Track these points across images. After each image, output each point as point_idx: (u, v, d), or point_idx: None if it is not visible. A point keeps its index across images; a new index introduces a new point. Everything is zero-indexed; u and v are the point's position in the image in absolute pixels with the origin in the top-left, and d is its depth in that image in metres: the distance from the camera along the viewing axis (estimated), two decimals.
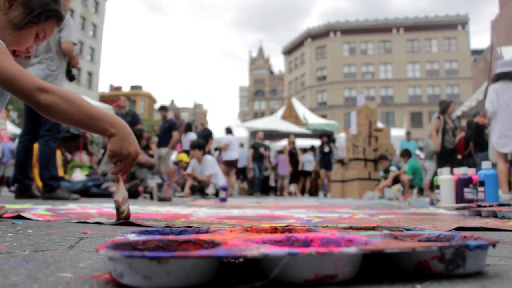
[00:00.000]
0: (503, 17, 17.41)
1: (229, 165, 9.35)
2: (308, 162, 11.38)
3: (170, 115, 8.76)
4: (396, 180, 8.23)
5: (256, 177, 10.66)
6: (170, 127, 8.27)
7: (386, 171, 8.57)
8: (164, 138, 8.25)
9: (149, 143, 6.48)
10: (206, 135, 9.05)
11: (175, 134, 8.20)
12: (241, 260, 0.69)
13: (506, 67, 4.90)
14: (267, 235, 0.73)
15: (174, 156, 10.41)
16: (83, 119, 1.17)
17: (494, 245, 0.59)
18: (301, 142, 13.59)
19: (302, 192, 11.28)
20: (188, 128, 11.03)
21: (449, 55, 41.73)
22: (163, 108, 8.69)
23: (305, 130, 14.00)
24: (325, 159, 10.81)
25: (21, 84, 1.12)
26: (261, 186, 12.53)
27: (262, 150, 10.54)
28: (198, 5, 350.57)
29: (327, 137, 10.95)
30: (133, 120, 7.64)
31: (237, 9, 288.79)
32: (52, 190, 3.87)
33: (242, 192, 11.20)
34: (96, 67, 38.35)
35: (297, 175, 10.93)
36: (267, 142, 15.93)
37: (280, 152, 11.52)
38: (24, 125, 3.95)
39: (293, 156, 10.80)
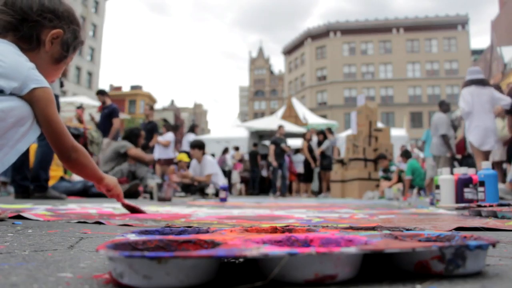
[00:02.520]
0: (503, 17, 17.41)
1: (167, 164, 8.96)
2: (301, 163, 11.28)
3: (109, 100, 7.56)
4: (398, 179, 8.24)
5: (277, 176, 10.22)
6: (110, 113, 7.21)
7: (386, 170, 8.57)
8: (105, 127, 7.16)
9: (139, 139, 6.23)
10: (150, 129, 8.19)
11: (115, 122, 7.17)
12: (241, 260, 0.69)
13: (476, 74, 5.35)
14: (267, 235, 0.73)
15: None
16: (90, 174, 1.62)
17: (494, 245, 0.59)
18: (300, 142, 13.60)
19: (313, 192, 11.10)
20: (191, 129, 11.00)
21: (449, 55, 41.73)
22: (101, 93, 7.57)
23: (305, 130, 14.01)
24: (321, 159, 10.66)
25: (63, 140, 1.42)
26: (260, 186, 12.49)
27: (284, 146, 10.10)
28: (200, 5, 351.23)
29: (323, 135, 10.84)
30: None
31: (239, 10, 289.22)
32: (44, 190, 4.00)
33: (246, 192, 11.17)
34: (96, 67, 38.34)
35: (311, 174, 10.71)
36: (267, 142, 15.93)
37: None
38: None
39: (311, 152, 10.58)
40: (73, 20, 1.51)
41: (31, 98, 1.31)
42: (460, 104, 5.40)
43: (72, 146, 1.45)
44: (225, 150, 12.57)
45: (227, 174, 12.14)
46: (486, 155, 5.09)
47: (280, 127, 10.59)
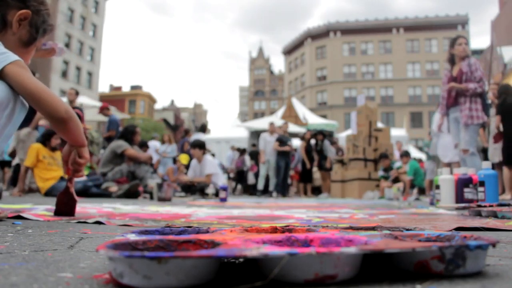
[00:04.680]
0: (503, 17, 17.41)
1: None
2: (300, 162, 11.19)
3: None
4: (396, 179, 8.24)
5: (279, 175, 9.73)
6: None
7: (386, 170, 8.56)
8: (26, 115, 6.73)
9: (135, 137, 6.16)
10: None
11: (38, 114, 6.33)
12: (241, 260, 0.69)
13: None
14: (267, 235, 0.73)
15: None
16: (80, 136, 1.48)
17: (494, 245, 0.59)
18: (300, 142, 13.59)
19: (313, 192, 10.99)
20: (202, 129, 10.98)
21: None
22: None
23: (305, 130, 14.01)
24: (320, 159, 10.58)
25: (51, 101, 1.30)
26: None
27: (289, 144, 9.74)
28: (201, 6, 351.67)
29: (323, 135, 10.78)
30: None
31: (240, 10, 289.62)
32: None
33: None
34: (96, 67, 38.32)
35: (310, 174, 10.61)
36: None
37: None
38: None
39: (308, 153, 10.50)
40: (41, 2, 1.46)
41: (4, 77, 1.24)
42: (432, 126, 6.14)
43: (63, 106, 1.34)
44: (243, 151, 12.57)
45: (245, 174, 12.14)
46: (449, 165, 5.57)
47: (284, 124, 10.46)
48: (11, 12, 1.36)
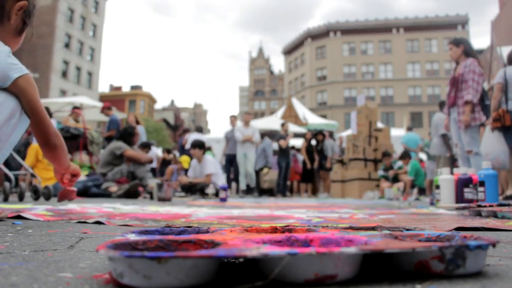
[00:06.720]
0: (503, 17, 17.40)
1: None
2: (301, 162, 11.17)
3: None
4: (395, 179, 8.24)
5: (280, 175, 9.58)
6: None
7: (387, 169, 8.56)
8: None
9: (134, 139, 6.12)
10: None
11: None
12: (241, 260, 0.69)
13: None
14: (267, 235, 0.73)
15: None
16: (65, 160, 1.52)
17: (494, 245, 0.59)
18: (301, 142, 13.58)
19: (314, 192, 10.97)
20: (199, 129, 11.01)
21: (449, 55, 41.63)
22: None
23: (305, 130, 14.00)
24: (320, 159, 10.56)
25: (49, 127, 1.38)
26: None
27: (282, 141, 9.55)
28: (203, 7, 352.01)
29: (323, 135, 10.78)
30: None
31: (241, 11, 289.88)
32: None
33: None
34: (96, 67, 38.31)
35: (311, 174, 10.59)
36: None
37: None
38: None
39: (309, 153, 10.46)
40: None
41: (16, 88, 1.28)
42: (432, 126, 6.74)
43: (55, 132, 1.43)
44: None
45: None
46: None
47: (284, 124, 10.41)
48: (8, 1, 1.38)
